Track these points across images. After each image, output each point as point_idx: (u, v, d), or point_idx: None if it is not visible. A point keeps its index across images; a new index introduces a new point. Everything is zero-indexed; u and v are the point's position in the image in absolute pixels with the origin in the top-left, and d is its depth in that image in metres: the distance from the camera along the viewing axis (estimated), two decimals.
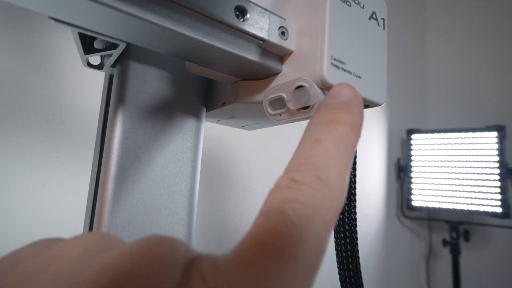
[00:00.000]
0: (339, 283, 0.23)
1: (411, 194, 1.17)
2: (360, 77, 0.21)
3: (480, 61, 1.32)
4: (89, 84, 0.48)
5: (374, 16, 0.22)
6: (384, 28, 0.23)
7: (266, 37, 0.20)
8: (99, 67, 0.24)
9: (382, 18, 0.23)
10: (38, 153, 0.44)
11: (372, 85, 0.22)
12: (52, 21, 0.17)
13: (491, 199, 1.00)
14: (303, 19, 0.21)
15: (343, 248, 0.22)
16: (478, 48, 1.33)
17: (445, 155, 1.10)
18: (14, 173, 0.42)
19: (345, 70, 0.20)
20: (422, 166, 1.15)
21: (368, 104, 0.23)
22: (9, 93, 0.43)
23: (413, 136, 1.19)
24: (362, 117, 0.14)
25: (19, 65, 0.43)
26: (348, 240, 0.22)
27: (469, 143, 1.06)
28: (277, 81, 0.22)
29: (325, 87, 0.19)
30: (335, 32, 0.20)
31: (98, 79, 0.45)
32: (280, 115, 0.22)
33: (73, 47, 0.48)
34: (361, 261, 0.23)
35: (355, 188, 0.23)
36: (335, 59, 0.19)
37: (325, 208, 0.10)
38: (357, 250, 0.23)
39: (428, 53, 1.46)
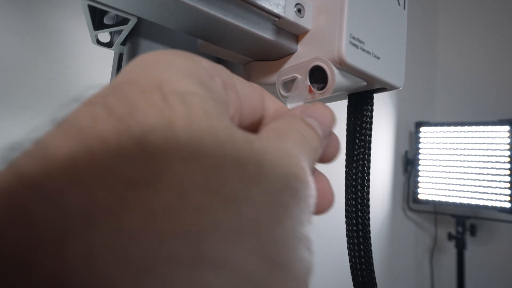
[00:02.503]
0: (348, 270, 0.23)
1: (417, 187, 1.15)
2: (378, 58, 0.20)
3: (491, 52, 1.29)
4: (97, 67, 0.48)
5: None
6: (404, 8, 0.22)
7: (282, 14, 0.19)
8: (109, 45, 0.24)
9: None
10: None
11: (390, 67, 0.21)
12: None
13: (500, 194, 0.98)
14: None
15: (355, 234, 0.22)
16: (489, 39, 1.30)
17: (454, 149, 1.09)
18: None
19: (363, 50, 0.19)
20: (430, 160, 1.14)
21: (385, 87, 0.22)
22: (17, 76, 0.42)
23: (421, 129, 1.17)
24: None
25: (27, 48, 0.43)
26: (360, 227, 0.22)
27: (479, 137, 1.04)
28: (292, 62, 0.22)
29: (343, 67, 0.19)
30: (354, 10, 0.19)
31: (106, 62, 0.44)
32: None
33: (80, 30, 0.47)
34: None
35: (368, 173, 0.22)
36: (354, 38, 0.19)
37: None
38: (369, 235, 0.22)
39: (438, 43, 1.42)
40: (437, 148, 1.13)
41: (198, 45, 0.23)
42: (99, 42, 0.23)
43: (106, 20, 0.21)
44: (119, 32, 0.22)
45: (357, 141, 0.22)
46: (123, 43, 0.23)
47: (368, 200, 0.22)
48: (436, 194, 1.11)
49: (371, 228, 0.21)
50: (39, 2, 0.44)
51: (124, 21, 0.20)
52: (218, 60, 0.26)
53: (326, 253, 0.79)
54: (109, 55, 0.28)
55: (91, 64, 0.48)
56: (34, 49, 0.44)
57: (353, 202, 0.22)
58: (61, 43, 0.46)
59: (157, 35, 0.23)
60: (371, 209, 0.22)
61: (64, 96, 0.46)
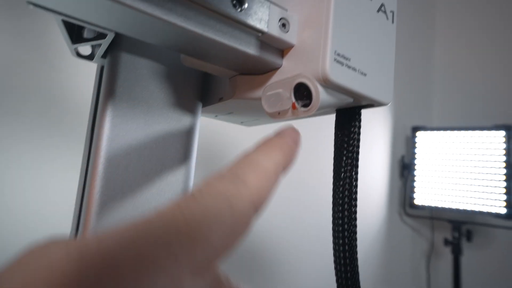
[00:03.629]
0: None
1: (414, 192, 1.15)
2: (365, 75, 0.19)
3: (487, 58, 1.29)
4: (84, 70, 0.47)
5: (382, 8, 0.21)
6: (393, 22, 0.21)
7: (265, 29, 0.19)
8: (90, 57, 0.23)
9: (391, 11, 0.21)
10: (32, 145, 0.43)
11: (378, 83, 0.20)
12: (31, 6, 0.15)
13: (496, 199, 0.98)
14: (306, 10, 0.19)
15: (342, 255, 0.21)
16: (486, 44, 1.30)
17: (450, 154, 1.08)
18: (6, 165, 0.41)
19: (349, 67, 0.18)
20: (426, 164, 1.14)
21: (373, 104, 0.21)
22: (5, 79, 0.42)
23: (418, 133, 1.17)
24: (293, 142, 0.16)
25: (17, 51, 0.42)
26: (347, 247, 0.21)
27: (475, 142, 1.04)
28: (277, 77, 0.21)
29: (328, 85, 0.18)
30: (339, 25, 0.18)
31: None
32: (279, 113, 0.21)
33: None
34: (361, 258, 0.22)
35: (356, 192, 0.22)
36: (339, 55, 0.18)
37: (235, 195, 0.12)
38: (356, 256, 0.22)
39: (434, 48, 1.42)
40: (433, 153, 1.13)
41: (181, 59, 0.22)
42: (79, 55, 0.22)
43: (85, 34, 0.21)
44: (100, 44, 0.21)
45: (344, 158, 0.22)
46: (104, 56, 0.22)
47: (355, 219, 0.21)
48: (432, 199, 1.11)
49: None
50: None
51: (102, 35, 0.19)
52: (203, 74, 0.26)
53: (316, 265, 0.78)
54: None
55: (79, 66, 0.47)
56: (23, 52, 0.43)
57: (340, 222, 0.21)
58: (51, 47, 0.45)
59: (138, 48, 0.22)
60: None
61: (51, 100, 0.45)
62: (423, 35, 1.37)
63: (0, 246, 0.39)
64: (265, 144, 0.15)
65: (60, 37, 0.45)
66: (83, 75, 0.47)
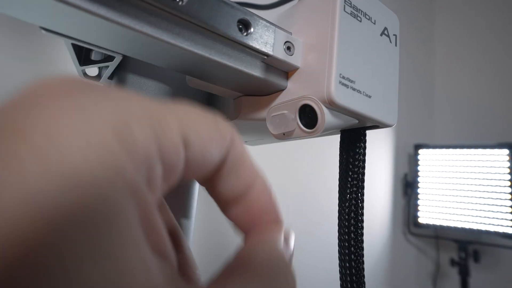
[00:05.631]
0: None
1: (418, 210, 1.13)
2: (370, 97, 0.19)
3: (489, 76, 1.30)
4: None
5: (386, 32, 0.21)
6: (396, 45, 0.22)
7: (270, 52, 0.19)
8: (97, 78, 0.23)
9: (394, 34, 0.22)
10: None
11: (382, 105, 0.20)
12: (43, 32, 0.16)
13: (502, 218, 0.96)
14: (311, 34, 0.20)
15: (348, 278, 0.21)
16: (487, 62, 1.31)
17: (453, 172, 1.08)
18: None
19: (354, 89, 0.19)
20: (429, 182, 1.12)
21: (378, 125, 0.21)
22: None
23: (420, 151, 1.16)
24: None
25: (29, 73, 0.43)
26: (354, 271, 0.20)
27: (479, 160, 1.04)
28: (282, 98, 0.21)
29: (333, 107, 0.18)
30: (344, 49, 0.18)
31: None
32: (284, 134, 0.21)
33: None
34: (365, 278, 0.21)
35: (362, 214, 0.21)
36: (343, 77, 0.18)
37: None
38: (363, 282, 0.21)
39: (435, 67, 1.44)
40: (436, 171, 1.12)
41: (186, 80, 0.22)
42: (86, 76, 0.23)
43: (93, 56, 0.21)
44: (107, 66, 0.22)
45: (349, 179, 0.21)
46: (111, 77, 0.23)
47: (362, 242, 0.21)
48: (436, 218, 1.09)
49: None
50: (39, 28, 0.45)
51: (110, 58, 0.20)
52: (208, 95, 0.26)
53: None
54: None
55: None
56: (33, 73, 0.44)
57: (346, 244, 0.21)
58: (59, 69, 0.46)
59: (144, 69, 0.22)
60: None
61: None
62: (423, 54, 1.39)
63: None
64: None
65: (65, 58, 0.46)
66: None
